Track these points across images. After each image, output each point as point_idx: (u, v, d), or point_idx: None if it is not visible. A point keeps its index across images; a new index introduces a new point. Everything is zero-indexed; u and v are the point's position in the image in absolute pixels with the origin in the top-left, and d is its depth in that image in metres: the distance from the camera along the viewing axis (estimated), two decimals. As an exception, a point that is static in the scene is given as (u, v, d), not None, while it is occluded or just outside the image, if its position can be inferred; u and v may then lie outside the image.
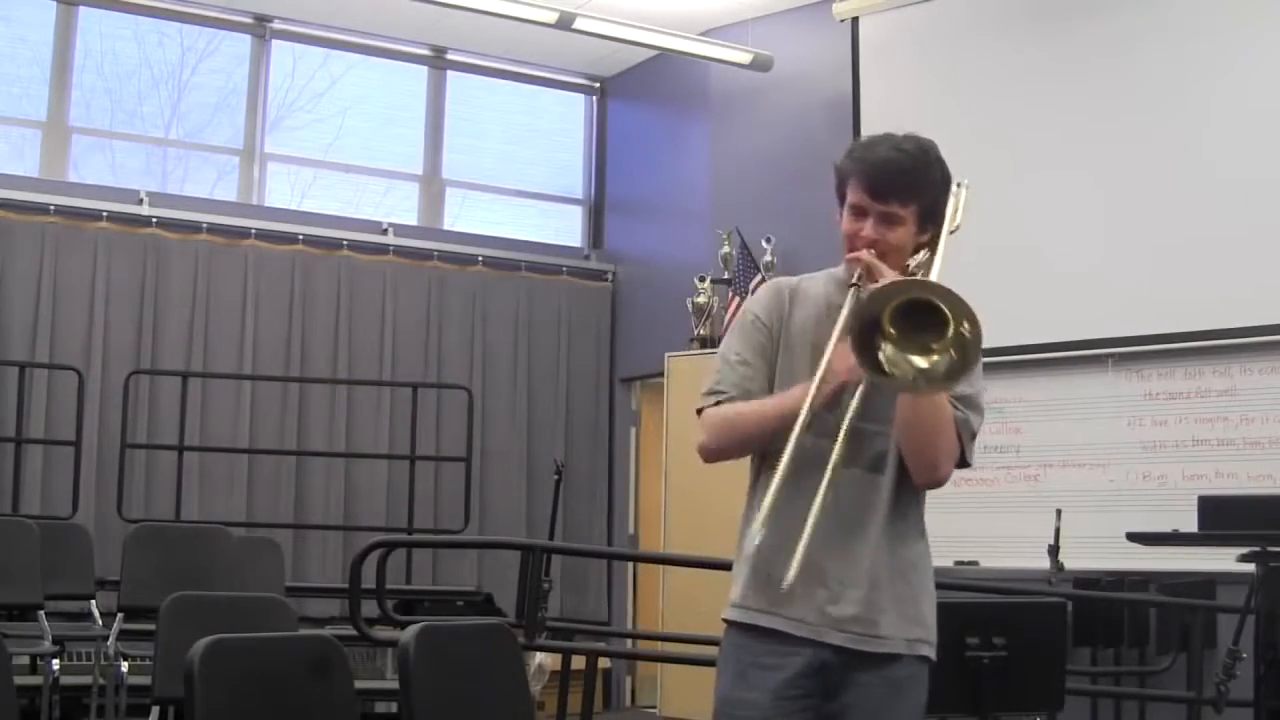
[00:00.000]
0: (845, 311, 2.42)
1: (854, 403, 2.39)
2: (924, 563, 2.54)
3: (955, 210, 2.64)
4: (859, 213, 2.51)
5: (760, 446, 2.52)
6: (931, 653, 2.50)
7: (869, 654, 2.43)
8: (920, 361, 2.28)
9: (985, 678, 3.52)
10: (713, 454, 2.57)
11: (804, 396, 2.39)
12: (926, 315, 2.27)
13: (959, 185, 2.66)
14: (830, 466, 2.36)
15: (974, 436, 2.51)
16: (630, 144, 9.60)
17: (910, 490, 2.51)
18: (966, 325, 2.26)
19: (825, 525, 2.38)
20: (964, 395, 2.48)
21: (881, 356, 2.27)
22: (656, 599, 8.21)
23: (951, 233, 2.68)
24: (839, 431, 2.40)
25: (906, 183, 2.48)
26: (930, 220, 2.52)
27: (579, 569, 8.90)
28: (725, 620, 2.54)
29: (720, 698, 2.50)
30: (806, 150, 7.78)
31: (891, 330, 2.28)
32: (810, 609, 2.44)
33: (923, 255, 2.58)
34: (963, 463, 2.51)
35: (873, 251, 2.46)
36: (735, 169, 8.50)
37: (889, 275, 2.40)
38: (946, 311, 2.25)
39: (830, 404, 2.41)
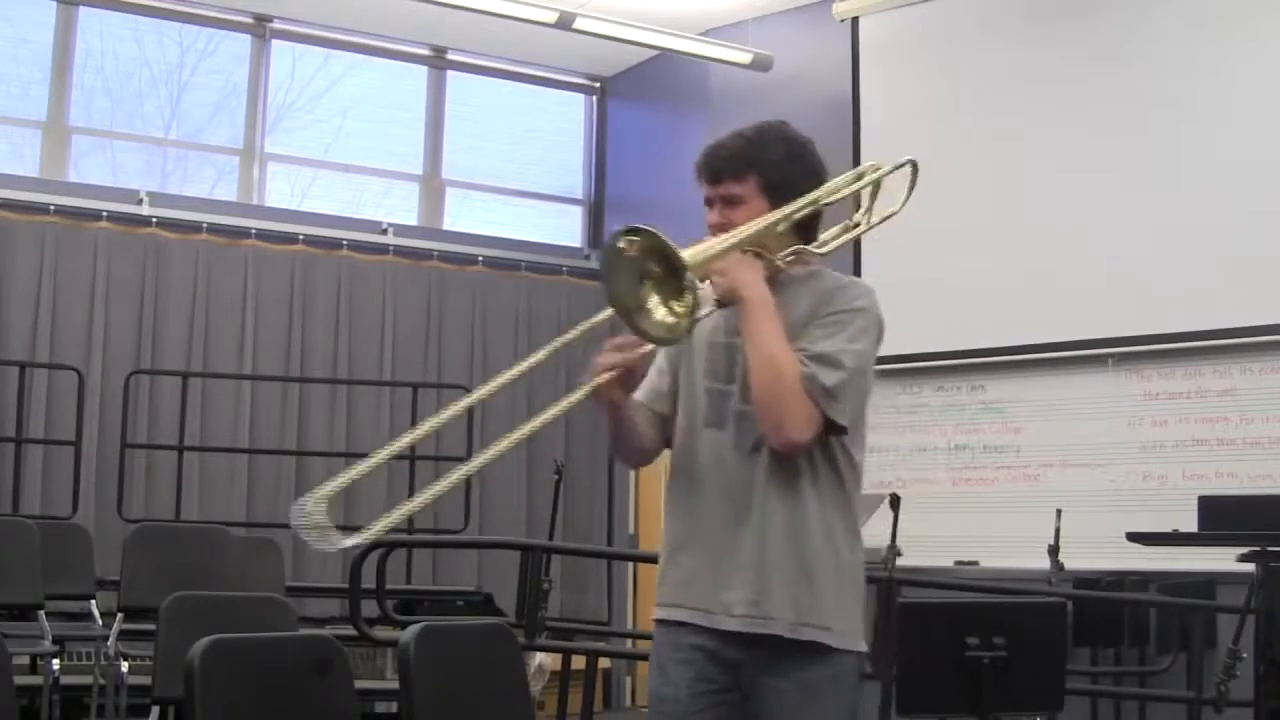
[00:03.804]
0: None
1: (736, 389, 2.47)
2: (828, 549, 2.43)
3: (865, 190, 2.70)
4: (709, 204, 2.57)
5: (625, 441, 2.57)
6: (832, 640, 2.40)
7: (767, 642, 2.40)
8: (661, 313, 2.34)
9: (985, 678, 3.52)
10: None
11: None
12: (676, 277, 2.32)
13: (873, 168, 2.71)
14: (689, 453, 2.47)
15: (829, 393, 2.36)
16: (630, 144, 9.60)
17: (806, 471, 2.43)
18: (690, 297, 2.31)
19: (720, 510, 2.47)
20: (819, 351, 2.40)
21: (644, 294, 2.34)
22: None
23: (886, 218, 2.75)
24: (728, 417, 2.48)
25: (736, 160, 2.53)
26: (781, 193, 2.52)
27: (579, 569, 8.89)
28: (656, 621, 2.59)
29: (648, 693, 2.56)
30: (806, 150, 7.77)
31: (656, 271, 2.33)
32: (707, 597, 2.46)
33: (830, 235, 2.64)
34: (833, 426, 2.39)
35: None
36: (735, 169, 8.49)
37: (711, 241, 2.47)
38: (686, 274, 2.30)
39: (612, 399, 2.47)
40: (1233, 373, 6.40)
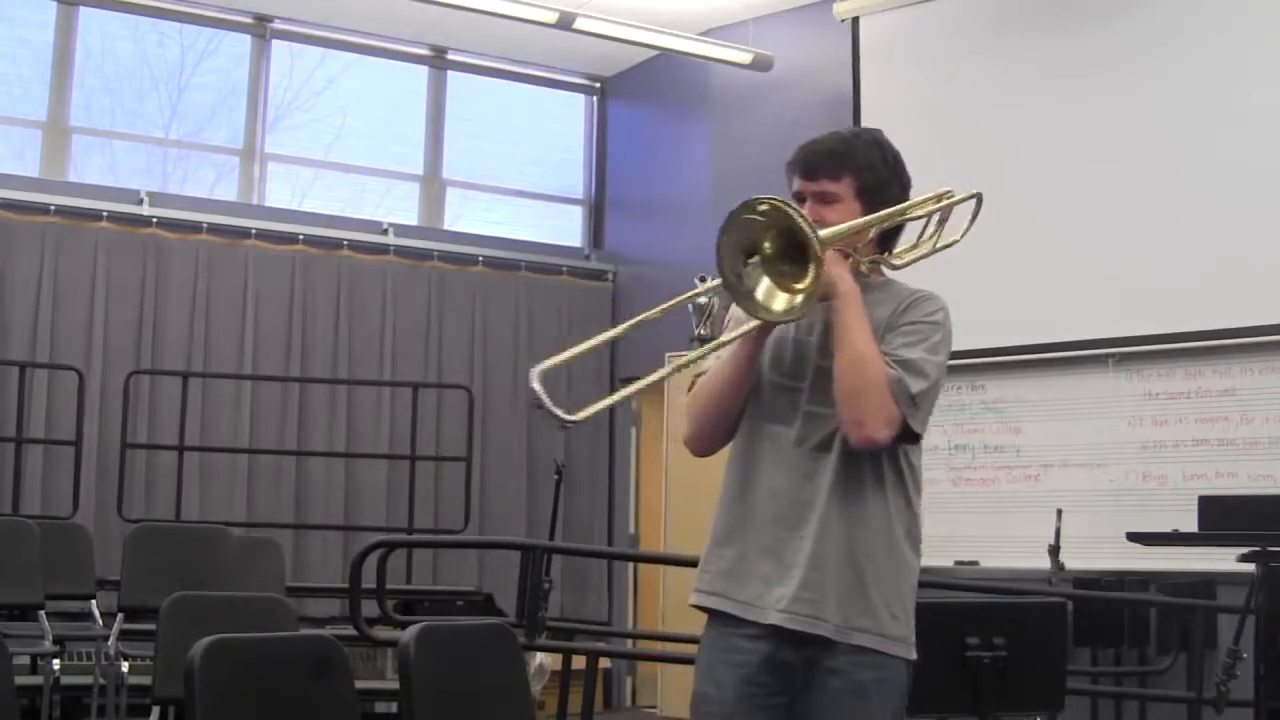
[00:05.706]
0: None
1: (805, 386, 2.46)
2: (886, 554, 2.45)
3: (936, 218, 2.70)
4: (800, 200, 2.55)
5: (724, 415, 2.54)
6: (882, 645, 2.42)
7: (816, 642, 2.39)
8: (779, 296, 2.32)
9: (985, 678, 3.51)
10: (690, 438, 2.61)
11: (734, 348, 2.49)
12: (799, 254, 2.29)
13: (946, 194, 2.72)
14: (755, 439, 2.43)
15: (914, 401, 2.39)
16: (630, 144, 9.60)
17: (870, 475, 2.45)
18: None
19: (777, 506, 2.46)
20: (904, 358, 2.42)
21: (746, 273, 2.32)
22: (656, 599, 8.21)
23: (949, 245, 2.76)
24: (795, 415, 2.47)
25: (834, 158, 2.53)
26: (873, 198, 2.53)
27: (579, 569, 8.90)
28: (692, 606, 2.57)
29: (692, 692, 2.53)
30: (806, 150, 7.77)
31: (768, 249, 2.31)
32: (756, 590, 2.45)
33: (905, 246, 2.65)
34: (909, 433, 2.42)
35: None
36: (735, 169, 8.49)
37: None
38: (814, 253, 2.27)
39: (751, 349, 2.46)
40: (1233, 373, 6.40)
